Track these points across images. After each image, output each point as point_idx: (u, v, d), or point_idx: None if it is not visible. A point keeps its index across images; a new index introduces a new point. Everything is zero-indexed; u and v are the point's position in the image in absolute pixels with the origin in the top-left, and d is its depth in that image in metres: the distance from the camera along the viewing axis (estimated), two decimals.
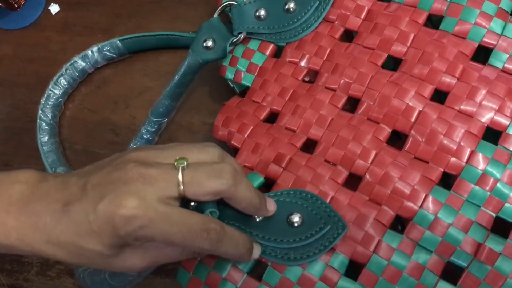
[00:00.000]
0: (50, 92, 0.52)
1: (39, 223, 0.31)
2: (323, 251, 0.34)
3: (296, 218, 0.35)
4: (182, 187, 0.30)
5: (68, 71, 0.52)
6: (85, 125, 0.53)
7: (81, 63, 0.52)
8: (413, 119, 0.36)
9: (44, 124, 0.51)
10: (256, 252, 0.35)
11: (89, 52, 0.52)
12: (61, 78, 0.52)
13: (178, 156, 0.32)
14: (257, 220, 0.35)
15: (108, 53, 0.52)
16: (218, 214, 0.32)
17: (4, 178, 0.32)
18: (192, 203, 0.32)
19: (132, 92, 0.53)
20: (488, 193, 0.34)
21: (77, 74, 0.52)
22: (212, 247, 0.31)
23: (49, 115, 0.52)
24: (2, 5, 0.57)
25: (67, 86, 0.52)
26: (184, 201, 0.32)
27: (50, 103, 0.52)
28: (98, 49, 0.52)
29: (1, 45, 0.58)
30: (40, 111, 0.52)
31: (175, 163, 0.31)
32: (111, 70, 0.54)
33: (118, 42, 0.52)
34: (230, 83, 0.45)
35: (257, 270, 0.36)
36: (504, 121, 0.35)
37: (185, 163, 0.31)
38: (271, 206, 0.35)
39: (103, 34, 0.55)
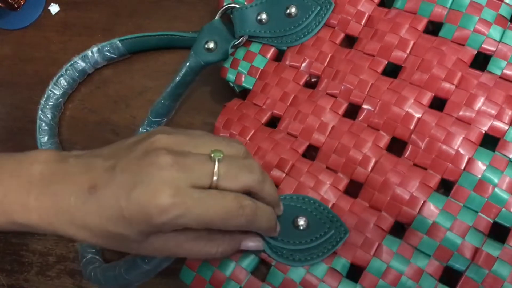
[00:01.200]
0: (50, 92, 0.52)
1: (62, 204, 0.31)
2: (326, 254, 0.35)
3: (301, 221, 0.36)
4: (215, 178, 0.31)
5: (68, 71, 0.52)
6: (85, 125, 0.53)
7: (81, 64, 0.52)
8: (412, 127, 0.37)
9: (43, 124, 0.52)
10: (278, 228, 0.36)
11: (89, 53, 0.52)
12: (61, 78, 0.52)
13: (210, 147, 0.32)
14: None
15: (108, 54, 0.52)
16: None
17: (22, 159, 0.33)
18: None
19: (132, 92, 0.53)
20: (486, 199, 0.34)
21: (77, 74, 0.53)
22: (249, 222, 0.32)
23: (49, 116, 0.52)
24: (2, 5, 0.57)
25: (67, 87, 0.53)
26: None
27: (50, 103, 0.52)
28: (98, 49, 0.52)
29: (1, 45, 0.58)
30: (39, 112, 0.52)
31: (212, 155, 0.31)
32: (111, 70, 0.54)
33: (118, 42, 0.52)
34: (230, 83, 0.46)
35: (261, 270, 0.37)
36: (502, 127, 0.36)
37: (221, 155, 0.31)
38: (281, 206, 0.37)
39: (103, 34, 0.55)
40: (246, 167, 0.32)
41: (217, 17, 0.46)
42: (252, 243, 0.35)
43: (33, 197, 0.31)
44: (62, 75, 0.52)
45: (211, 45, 0.45)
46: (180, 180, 0.30)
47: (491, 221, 0.34)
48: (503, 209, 0.34)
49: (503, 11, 0.38)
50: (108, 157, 0.32)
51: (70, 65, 0.52)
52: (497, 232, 0.34)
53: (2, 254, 0.51)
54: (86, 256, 0.46)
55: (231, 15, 0.45)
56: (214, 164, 0.31)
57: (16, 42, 0.58)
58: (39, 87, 0.54)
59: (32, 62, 0.57)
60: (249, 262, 0.37)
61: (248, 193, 0.33)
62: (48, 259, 0.50)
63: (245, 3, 0.45)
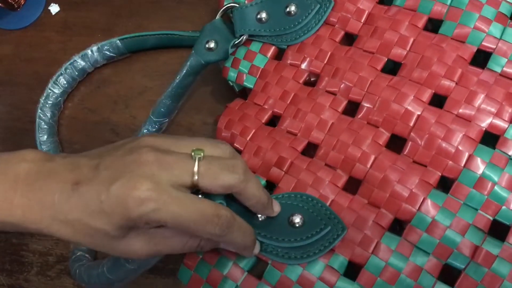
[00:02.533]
0: (49, 91, 0.52)
1: (46, 201, 0.31)
2: (323, 251, 0.35)
3: (297, 219, 0.36)
4: (196, 177, 0.31)
5: (68, 70, 0.52)
6: (85, 125, 0.54)
7: (80, 63, 0.52)
8: (412, 124, 0.36)
9: (43, 123, 0.52)
10: (257, 248, 0.36)
11: (89, 52, 0.52)
12: (61, 77, 0.52)
13: (193, 147, 0.32)
14: (260, 219, 0.36)
15: (108, 53, 0.52)
16: (225, 205, 0.33)
17: (10, 158, 0.33)
18: (200, 195, 0.33)
19: (132, 92, 0.53)
20: (486, 196, 0.34)
21: (76, 73, 0.53)
22: (222, 233, 0.32)
23: (48, 114, 0.52)
24: (2, 5, 0.57)
25: (66, 86, 0.53)
26: (192, 192, 0.32)
27: (49, 102, 0.52)
28: (98, 48, 0.52)
29: (1, 45, 0.58)
30: (39, 110, 0.52)
31: (192, 153, 0.32)
32: (111, 70, 0.54)
33: (118, 41, 0.52)
34: (230, 82, 0.46)
35: (258, 269, 0.37)
36: (502, 125, 0.35)
37: (202, 154, 0.32)
38: (276, 207, 0.36)
39: (103, 34, 0.56)
40: (228, 167, 0.32)
41: (217, 16, 0.46)
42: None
43: (18, 195, 0.31)
44: (61, 74, 0.52)
45: (211, 44, 0.45)
46: (160, 176, 0.30)
47: (491, 218, 0.34)
48: (503, 207, 0.34)
49: (503, 8, 0.37)
50: (94, 157, 0.32)
51: (70, 64, 0.52)
52: (497, 230, 0.34)
53: (2, 254, 0.51)
54: (76, 254, 0.46)
55: (231, 15, 0.46)
56: (195, 163, 0.31)
57: (16, 42, 0.58)
58: (39, 87, 0.54)
59: (32, 62, 0.57)
60: (246, 260, 0.37)
61: (231, 194, 0.33)
62: (48, 259, 0.50)
63: (245, 2, 0.45)
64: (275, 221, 0.36)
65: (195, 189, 0.32)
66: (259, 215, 0.36)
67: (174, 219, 0.30)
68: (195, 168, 0.31)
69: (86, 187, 0.31)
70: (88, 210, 0.30)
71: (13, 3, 0.58)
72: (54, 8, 0.58)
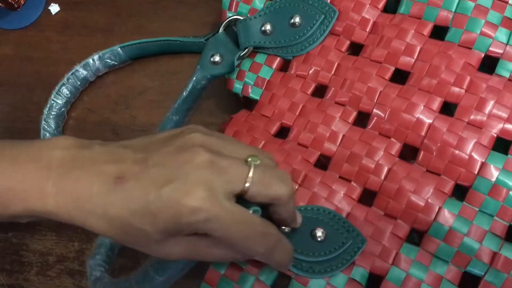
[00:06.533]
0: (52, 102, 0.52)
1: (83, 192, 0.29)
2: (345, 265, 0.36)
3: (319, 233, 0.36)
4: (248, 184, 0.30)
5: (70, 80, 0.52)
6: (85, 125, 0.53)
7: (82, 72, 0.52)
8: (423, 133, 0.37)
9: (48, 134, 0.52)
10: (299, 220, 0.35)
11: (90, 61, 0.52)
12: (63, 87, 0.52)
13: (246, 153, 0.31)
14: (285, 231, 0.36)
15: (109, 61, 0.52)
16: (260, 213, 0.32)
17: (43, 144, 0.31)
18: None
19: (132, 92, 0.53)
20: (501, 203, 0.34)
21: (79, 83, 0.52)
22: (267, 253, 0.31)
23: (53, 125, 0.52)
24: (2, 5, 0.57)
25: (69, 96, 0.52)
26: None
27: (53, 113, 0.52)
28: (99, 57, 0.52)
29: (1, 45, 0.58)
30: (43, 122, 0.52)
31: (248, 159, 0.31)
32: (111, 71, 0.54)
33: (119, 49, 0.52)
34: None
35: (280, 283, 0.37)
36: None
37: (258, 161, 0.31)
38: (299, 218, 0.36)
39: (103, 34, 0.55)
40: (279, 177, 0.31)
41: (220, 30, 0.46)
42: None
43: (51, 183, 0.29)
44: (64, 84, 0.52)
45: (216, 58, 0.45)
46: (214, 183, 0.29)
47: (508, 224, 0.34)
48: None
49: (509, 13, 0.38)
50: (139, 149, 0.31)
51: (72, 74, 0.52)
52: None
53: (2, 254, 0.51)
54: (96, 274, 0.46)
55: (234, 27, 0.45)
56: (250, 169, 0.30)
57: (16, 42, 0.57)
58: (39, 87, 0.54)
59: (32, 62, 0.56)
60: (268, 275, 0.37)
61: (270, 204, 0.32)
62: (48, 259, 0.50)
63: (248, 15, 0.45)
64: (298, 235, 0.36)
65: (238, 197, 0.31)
66: (284, 227, 0.36)
67: (224, 232, 0.29)
68: (250, 175, 0.30)
69: (132, 183, 0.29)
70: (132, 208, 0.29)
71: (13, 3, 0.57)
72: (54, 8, 0.57)
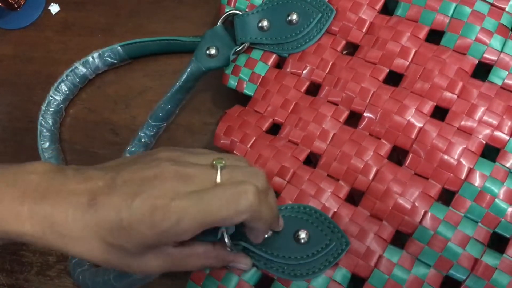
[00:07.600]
0: (50, 98, 0.52)
1: (58, 216, 0.30)
2: (328, 267, 0.36)
3: (303, 235, 0.36)
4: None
5: (69, 77, 0.52)
6: (85, 125, 0.53)
7: (81, 69, 0.52)
8: (413, 136, 0.37)
9: (45, 130, 0.52)
10: (281, 223, 0.36)
11: (90, 58, 0.52)
12: (62, 84, 0.52)
13: (211, 158, 0.32)
14: (266, 235, 0.36)
15: (109, 59, 0.52)
16: None
17: (19, 169, 0.32)
18: None
19: (132, 92, 0.53)
20: (486, 209, 0.35)
21: (78, 80, 0.53)
22: (254, 212, 0.30)
23: (50, 122, 0.52)
24: (2, 5, 0.57)
25: (68, 92, 0.53)
26: None
27: (51, 109, 0.52)
28: (99, 55, 0.52)
29: (1, 45, 0.58)
30: (41, 117, 0.52)
31: (214, 162, 0.31)
32: (111, 70, 0.54)
33: (119, 47, 0.52)
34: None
35: (263, 284, 0.37)
36: (502, 138, 0.36)
37: (223, 162, 0.31)
38: (281, 221, 0.36)
39: (103, 34, 0.55)
40: (250, 173, 0.31)
41: (218, 23, 0.46)
42: (240, 264, 0.36)
43: (26, 208, 0.30)
44: (63, 81, 0.52)
45: (212, 51, 0.45)
46: (182, 190, 0.30)
47: (491, 231, 0.34)
48: (503, 219, 0.34)
49: (505, 20, 0.38)
50: (109, 170, 0.31)
51: (71, 71, 0.52)
52: (497, 242, 0.35)
53: (2, 254, 0.51)
54: (77, 260, 0.46)
55: (233, 21, 0.45)
56: (217, 172, 0.31)
57: (16, 42, 0.58)
58: (39, 87, 0.54)
59: (32, 62, 0.57)
60: (251, 276, 0.37)
61: None
62: (48, 259, 0.50)
63: (246, 10, 0.45)
64: (281, 237, 0.36)
65: None
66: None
67: (202, 222, 0.29)
68: (218, 177, 0.31)
69: (103, 202, 0.30)
70: (107, 227, 0.29)
71: (13, 3, 0.57)
72: (54, 8, 0.58)
